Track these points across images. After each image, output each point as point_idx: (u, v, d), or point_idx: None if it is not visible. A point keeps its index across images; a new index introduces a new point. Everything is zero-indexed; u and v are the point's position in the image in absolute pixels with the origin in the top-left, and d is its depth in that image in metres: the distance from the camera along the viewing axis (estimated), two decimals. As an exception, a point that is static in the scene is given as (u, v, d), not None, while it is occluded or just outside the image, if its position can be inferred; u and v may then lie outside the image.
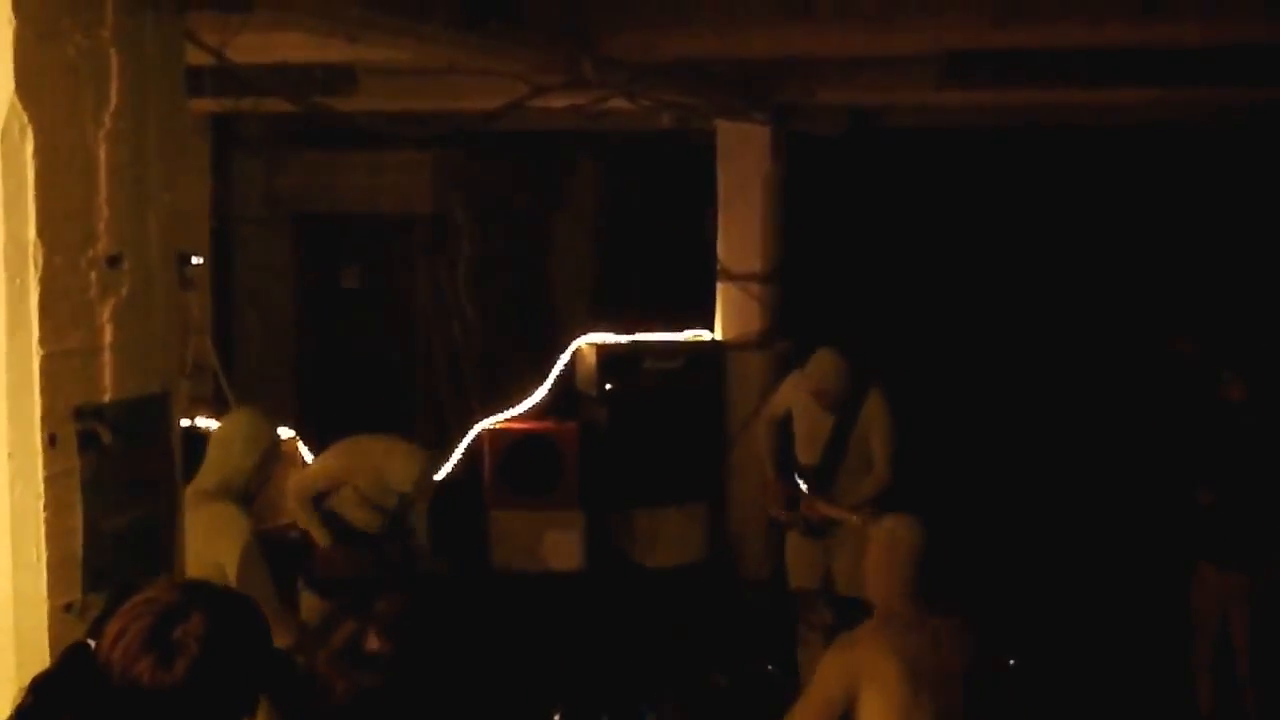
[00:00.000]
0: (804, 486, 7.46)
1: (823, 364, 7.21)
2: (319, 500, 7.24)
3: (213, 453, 5.57)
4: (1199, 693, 7.16)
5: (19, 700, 2.69)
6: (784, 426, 7.56)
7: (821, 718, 4.51)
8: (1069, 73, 7.60)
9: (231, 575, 5.17)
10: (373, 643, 2.36)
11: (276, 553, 6.00)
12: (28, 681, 2.79)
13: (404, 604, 2.40)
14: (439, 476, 7.76)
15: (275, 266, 10.85)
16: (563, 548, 9.17)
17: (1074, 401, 10.67)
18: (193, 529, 5.25)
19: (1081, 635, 8.08)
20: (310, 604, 6.88)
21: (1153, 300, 10.71)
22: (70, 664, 3.00)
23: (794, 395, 7.48)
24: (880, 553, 4.65)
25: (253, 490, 5.59)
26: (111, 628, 2.56)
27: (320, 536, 7.15)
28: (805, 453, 7.43)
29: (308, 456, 8.37)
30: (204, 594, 2.63)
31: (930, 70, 7.73)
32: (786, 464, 7.56)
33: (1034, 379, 10.84)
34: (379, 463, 7.15)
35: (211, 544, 5.22)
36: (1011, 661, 7.02)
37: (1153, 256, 10.83)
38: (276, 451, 5.76)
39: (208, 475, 5.46)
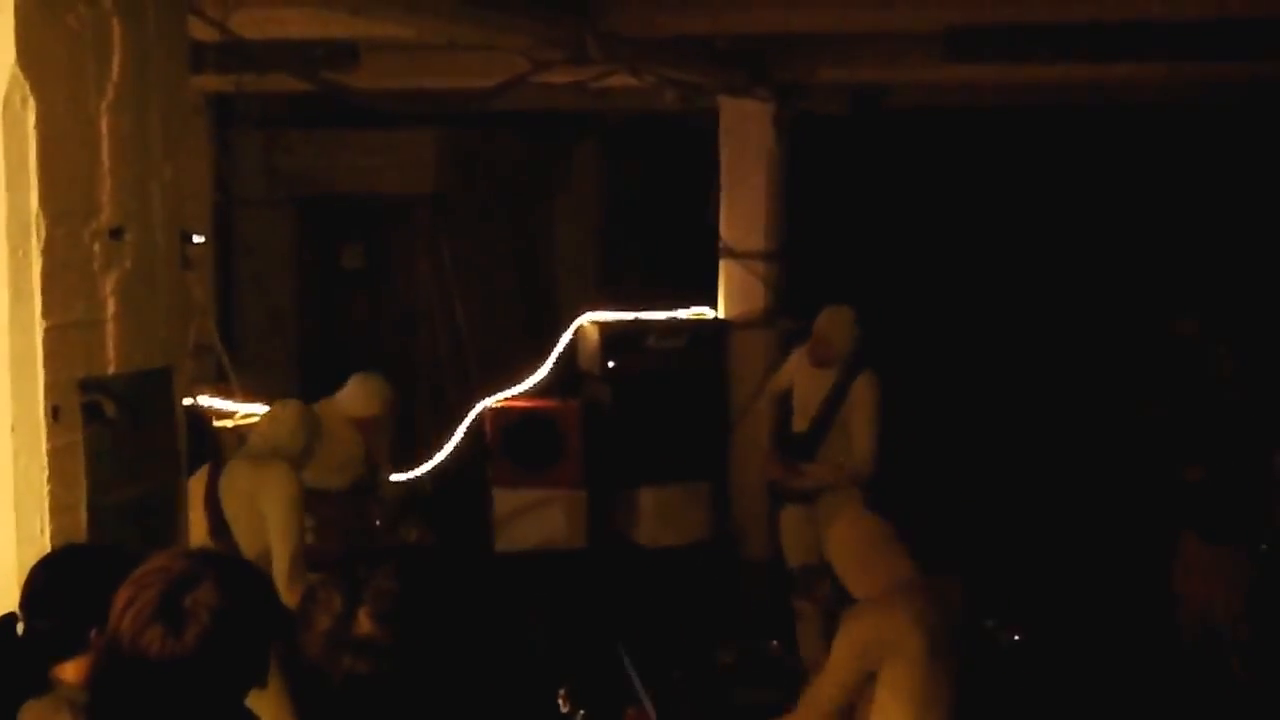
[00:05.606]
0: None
1: (833, 314, 7.31)
2: None
3: (265, 427, 5.84)
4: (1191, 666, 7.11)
5: None
6: (785, 402, 7.60)
7: (841, 690, 4.49)
8: (1071, 48, 7.58)
9: (273, 523, 5.42)
10: (364, 626, 2.27)
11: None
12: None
13: (397, 588, 2.31)
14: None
15: (275, 247, 10.79)
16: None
17: (1072, 379, 10.65)
18: (241, 479, 5.60)
19: (1076, 612, 8.06)
20: None
21: (1152, 277, 10.68)
22: None
23: (796, 368, 7.54)
24: (860, 540, 4.67)
25: (303, 463, 5.80)
26: (120, 596, 2.49)
27: None
28: (799, 422, 7.49)
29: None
30: (214, 563, 2.58)
31: (933, 47, 7.71)
32: (782, 438, 7.60)
33: (1034, 357, 10.82)
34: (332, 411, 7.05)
35: (259, 493, 5.51)
36: (1017, 636, 7.01)
37: (1153, 234, 10.81)
38: (320, 438, 5.96)
39: (261, 443, 5.73)
